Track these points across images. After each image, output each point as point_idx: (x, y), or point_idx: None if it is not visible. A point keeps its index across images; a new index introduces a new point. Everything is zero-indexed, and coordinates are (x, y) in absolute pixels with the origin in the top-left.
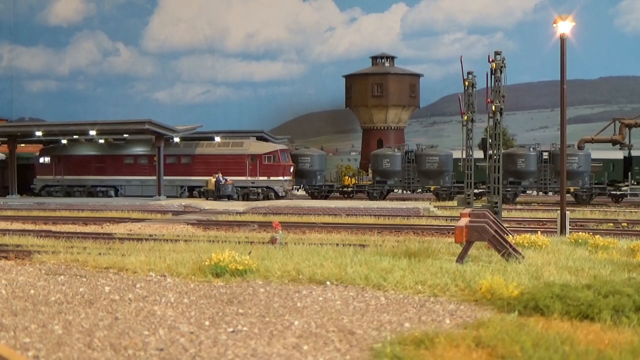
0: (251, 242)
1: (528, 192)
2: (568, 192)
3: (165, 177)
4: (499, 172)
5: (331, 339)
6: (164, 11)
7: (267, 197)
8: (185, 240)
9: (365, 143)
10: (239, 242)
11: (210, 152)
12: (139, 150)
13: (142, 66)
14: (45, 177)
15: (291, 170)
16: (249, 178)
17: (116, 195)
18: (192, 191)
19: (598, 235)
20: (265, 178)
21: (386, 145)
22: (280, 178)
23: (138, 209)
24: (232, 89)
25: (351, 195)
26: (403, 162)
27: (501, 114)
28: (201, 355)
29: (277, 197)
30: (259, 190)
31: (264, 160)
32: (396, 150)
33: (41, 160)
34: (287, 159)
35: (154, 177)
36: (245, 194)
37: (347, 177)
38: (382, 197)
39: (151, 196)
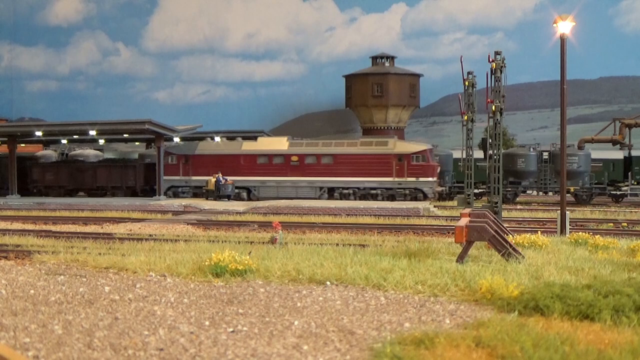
0: (251, 242)
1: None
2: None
3: (303, 178)
4: (499, 172)
5: (331, 339)
6: (164, 11)
7: (415, 199)
8: (185, 240)
9: None
10: (239, 242)
11: (352, 151)
12: (274, 149)
13: (142, 66)
14: (172, 178)
15: (438, 170)
16: (396, 179)
17: (249, 198)
18: (332, 193)
19: (598, 235)
20: (414, 179)
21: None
22: (430, 179)
23: (138, 209)
24: (232, 89)
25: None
26: (538, 162)
27: (501, 114)
28: (201, 355)
29: (426, 198)
30: (406, 192)
31: (412, 160)
32: (531, 149)
33: (168, 160)
34: (435, 159)
35: (292, 178)
36: (390, 195)
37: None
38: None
39: (290, 198)
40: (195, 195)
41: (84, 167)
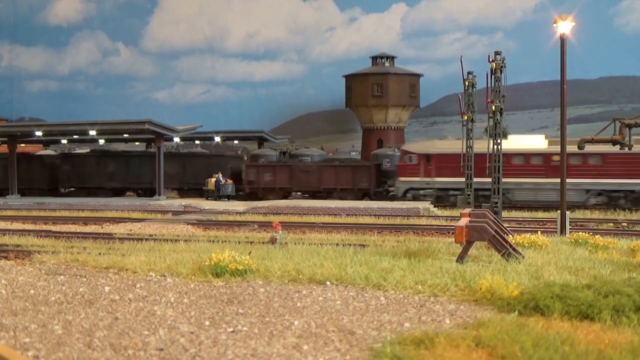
0: (251, 242)
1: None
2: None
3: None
4: (499, 172)
5: (331, 339)
6: (164, 11)
7: None
8: (185, 240)
9: (365, 143)
10: (239, 242)
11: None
12: (531, 147)
13: (142, 66)
14: (411, 179)
15: None
16: None
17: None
18: (599, 196)
19: (598, 235)
20: None
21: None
22: None
23: (138, 209)
24: (232, 89)
25: None
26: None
27: (501, 114)
28: (201, 355)
29: None
30: None
31: None
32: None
33: (406, 159)
34: None
35: (552, 180)
36: None
37: None
38: None
39: (550, 203)
40: (439, 199)
41: (307, 168)
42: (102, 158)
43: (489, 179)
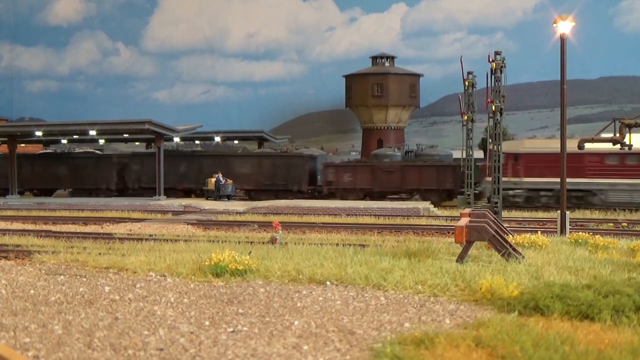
0: (251, 242)
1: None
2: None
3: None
4: (499, 172)
5: (331, 339)
6: (164, 11)
7: None
8: (185, 240)
9: (365, 143)
10: (239, 242)
11: None
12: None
13: (142, 66)
14: None
15: None
16: None
17: (592, 203)
18: None
19: (598, 235)
20: None
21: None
22: None
23: (138, 209)
24: (232, 89)
25: None
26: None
27: (501, 114)
28: (201, 355)
29: None
30: None
31: None
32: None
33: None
34: None
35: None
36: None
37: None
38: None
39: None
40: (528, 200)
41: (389, 168)
42: (175, 158)
43: (583, 179)
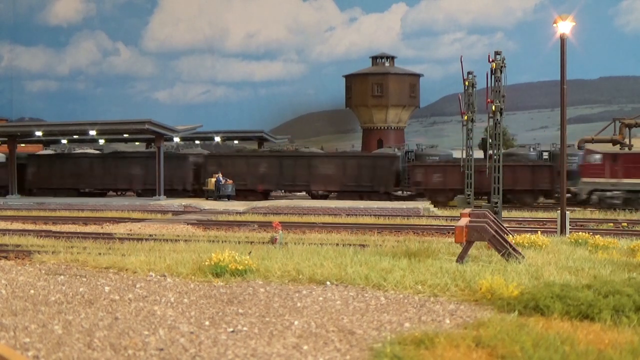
0: (251, 242)
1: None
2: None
3: None
4: (499, 172)
5: (331, 339)
6: (164, 11)
7: None
8: (185, 240)
9: (365, 143)
10: (239, 242)
11: None
12: None
13: (142, 66)
14: (595, 180)
15: None
16: None
17: None
18: None
19: (598, 235)
20: None
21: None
22: None
23: (138, 209)
24: (232, 89)
25: None
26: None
27: (501, 114)
28: (201, 355)
29: None
30: None
31: None
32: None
33: (590, 159)
34: None
35: None
36: None
37: None
38: None
39: None
40: (627, 202)
41: (482, 168)
42: (255, 159)
43: None
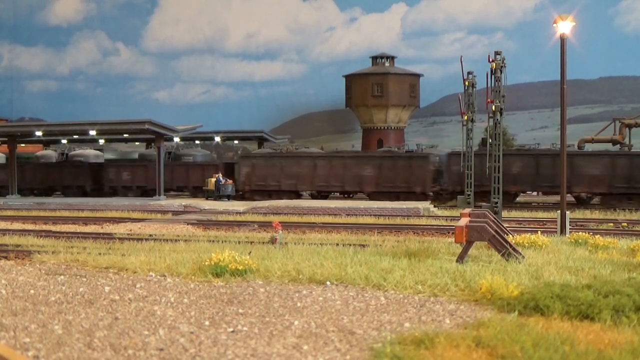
0: (251, 242)
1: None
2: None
3: None
4: (499, 172)
5: (331, 339)
6: (164, 11)
7: None
8: (185, 240)
9: (365, 143)
10: (239, 242)
11: None
12: None
13: (142, 66)
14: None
15: None
16: None
17: None
18: None
19: (598, 235)
20: None
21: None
22: None
23: (138, 209)
24: (232, 89)
25: None
26: None
27: (501, 114)
28: (201, 355)
29: None
30: None
31: None
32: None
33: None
34: None
35: None
36: None
37: None
38: None
39: None
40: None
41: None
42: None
43: None
